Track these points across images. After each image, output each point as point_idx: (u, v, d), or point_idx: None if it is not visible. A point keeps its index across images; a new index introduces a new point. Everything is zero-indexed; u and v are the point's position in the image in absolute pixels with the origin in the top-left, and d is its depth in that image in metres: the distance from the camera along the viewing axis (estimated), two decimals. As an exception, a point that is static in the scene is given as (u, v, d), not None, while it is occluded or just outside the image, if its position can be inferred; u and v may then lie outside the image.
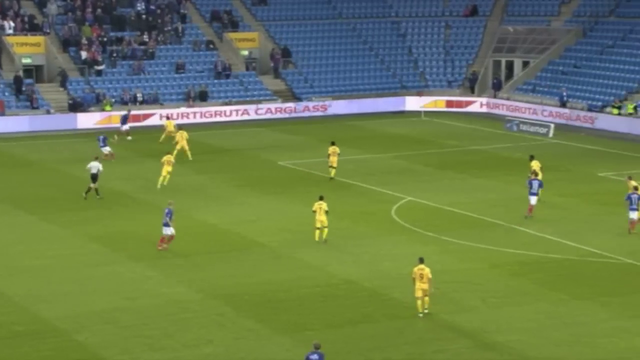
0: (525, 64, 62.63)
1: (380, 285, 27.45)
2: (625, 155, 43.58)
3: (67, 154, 47.13)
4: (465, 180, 41.13)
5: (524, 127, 52.72)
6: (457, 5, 68.13)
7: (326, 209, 31.63)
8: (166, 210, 30.74)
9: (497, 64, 63.84)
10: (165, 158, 39.52)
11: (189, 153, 44.83)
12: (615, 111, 53.03)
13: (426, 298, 25.11)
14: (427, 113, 58.81)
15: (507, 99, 59.98)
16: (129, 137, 49.98)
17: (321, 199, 32.06)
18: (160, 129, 51.09)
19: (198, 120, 56.70)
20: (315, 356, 20.91)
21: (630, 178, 34.25)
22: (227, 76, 61.00)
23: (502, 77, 62.88)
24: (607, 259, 29.58)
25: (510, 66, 63.51)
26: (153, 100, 57.76)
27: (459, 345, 23.35)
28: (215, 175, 42.19)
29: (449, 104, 60.65)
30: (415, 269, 25.23)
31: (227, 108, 58.03)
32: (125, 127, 50.27)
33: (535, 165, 37.08)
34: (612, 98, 54.95)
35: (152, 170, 41.62)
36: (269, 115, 56.89)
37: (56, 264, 29.59)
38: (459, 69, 64.59)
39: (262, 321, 24.95)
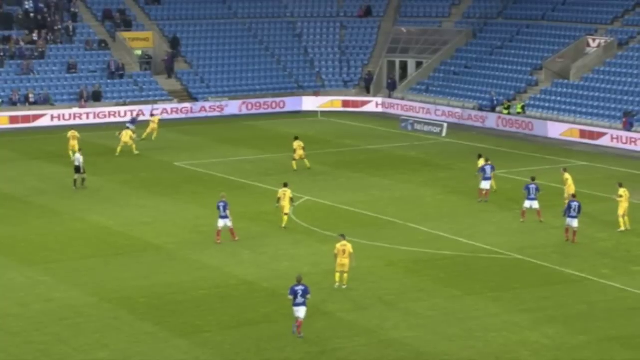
0: (419, 65, 63.78)
1: (279, 285, 27.50)
2: (514, 154, 44.89)
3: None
4: (361, 179, 41.61)
5: (418, 127, 53.70)
6: (352, 5, 68.84)
7: (291, 196, 32.61)
8: (222, 204, 31.25)
9: (391, 64, 64.81)
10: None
11: (134, 147, 45.77)
12: (505, 111, 54.57)
13: (345, 275, 26.64)
14: (323, 113, 59.23)
15: (402, 99, 60.97)
16: (136, 137, 49.84)
17: (285, 185, 33.13)
18: (51, 130, 49.91)
19: (92, 121, 55.61)
20: (300, 287, 23.71)
21: (565, 170, 35.64)
22: (121, 76, 60.00)
23: (397, 78, 63.87)
24: (497, 255, 30.43)
25: (404, 66, 64.56)
26: (44, 101, 56.30)
27: (356, 343, 23.61)
28: (109, 177, 41.45)
29: (345, 104, 61.23)
30: (338, 245, 26.85)
31: (122, 108, 57.09)
32: (132, 126, 49.17)
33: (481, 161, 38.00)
34: (501, 98, 56.52)
35: (43, 172, 40.56)
36: (164, 116, 56.20)
37: (-58, 271, 28.52)
38: (354, 69, 65.27)
39: (159, 324, 24.66)
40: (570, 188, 34.82)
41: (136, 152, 46.26)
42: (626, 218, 33.01)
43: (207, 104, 59.10)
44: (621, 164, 44.20)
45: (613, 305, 25.86)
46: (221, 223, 31.50)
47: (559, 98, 54.56)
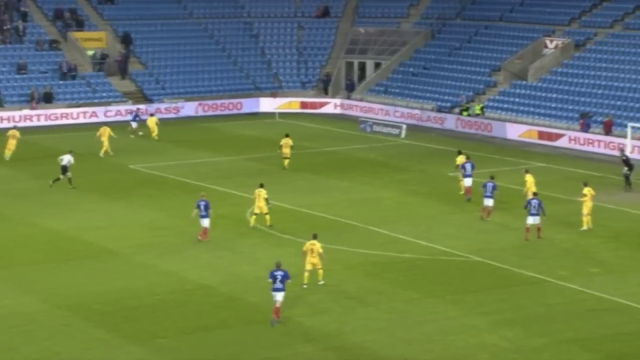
0: (377, 65, 64.03)
1: (237, 289, 27.41)
2: (473, 156, 45.12)
3: None
4: (320, 181, 41.64)
5: (377, 128, 53.90)
6: (309, 6, 68.90)
7: (265, 196, 32.94)
8: (202, 203, 31.47)
9: (349, 65, 64.97)
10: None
11: (108, 148, 46.08)
12: (464, 112, 55.00)
13: (320, 271, 27.21)
14: (281, 114, 59.19)
15: (361, 100, 61.15)
16: (141, 133, 51.23)
17: (261, 186, 33.44)
18: (1, 132, 49.27)
19: (43, 123, 54.95)
20: (279, 272, 24.54)
21: (526, 171, 36.09)
22: (73, 77, 59.38)
23: (355, 79, 64.05)
24: (456, 257, 30.63)
25: (362, 67, 64.77)
26: (-6, 102, 55.55)
27: (314, 347, 23.60)
28: (62, 180, 40.94)
29: (303, 105, 61.25)
30: (308, 243, 27.31)
31: (74, 110, 56.50)
32: (134, 123, 51.59)
33: (460, 159, 38.26)
34: (470, 94, 56.95)
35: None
36: (119, 118, 55.72)
37: None
38: (312, 70, 65.32)
39: (113, 330, 24.42)
40: (530, 190, 35.22)
41: (111, 153, 46.39)
42: (589, 217, 33.46)
43: (162, 106, 58.73)
44: (579, 165, 44.79)
45: (571, 307, 26.17)
46: (205, 222, 31.79)
47: (517, 99, 55.12)
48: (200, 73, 63.04)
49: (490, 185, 34.47)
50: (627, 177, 39.46)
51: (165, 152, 47.83)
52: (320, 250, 27.21)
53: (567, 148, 48.83)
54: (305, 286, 27.05)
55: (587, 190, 33.62)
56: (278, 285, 24.63)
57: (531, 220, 32.07)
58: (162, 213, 35.81)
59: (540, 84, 55.68)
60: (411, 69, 62.19)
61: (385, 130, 53.61)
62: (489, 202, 34.45)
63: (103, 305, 26.18)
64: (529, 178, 35.73)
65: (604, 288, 27.38)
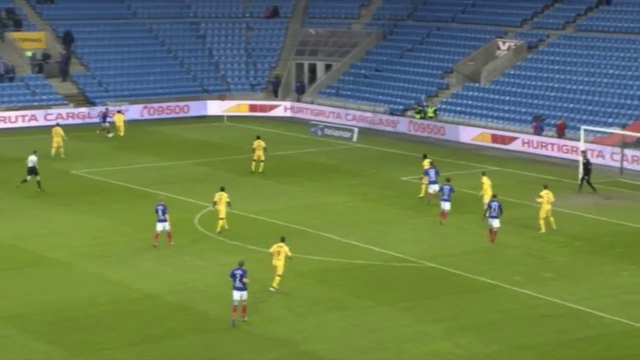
0: (328, 67, 64.25)
1: (185, 298, 27.29)
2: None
3: None
4: (270, 186, 41.64)
5: (328, 132, 54.07)
6: (258, 6, 68.89)
7: (227, 200, 33.16)
8: (160, 207, 31.80)
9: (300, 67, 65.08)
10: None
11: (61, 150, 46.32)
12: (417, 115, 55.45)
13: (277, 277, 27.66)
14: (230, 118, 59.07)
15: (311, 102, 61.28)
16: (111, 135, 51.93)
17: (222, 189, 33.56)
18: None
19: (-20, 126, 54.13)
20: (239, 271, 25.34)
21: (483, 174, 36.80)
22: (11, 79, 58.59)
23: (306, 81, 64.19)
24: (409, 264, 30.87)
25: (313, 69, 64.94)
26: None
27: (266, 357, 23.60)
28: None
29: (253, 108, 61.19)
30: (275, 245, 27.92)
31: (12, 114, 55.73)
32: (105, 123, 52.65)
33: (426, 163, 38.83)
34: (412, 102, 57.42)
35: None
36: (60, 121, 55.11)
37: None
38: (261, 72, 65.32)
39: (55, 342, 24.14)
40: (487, 193, 35.75)
41: (62, 156, 46.48)
42: (551, 219, 34.07)
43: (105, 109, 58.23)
44: (533, 169, 45.44)
45: (525, 313, 26.53)
46: (159, 227, 31.91)
47: (470, 102, 55.74)
48: (145, 75, 62.64)
49: (447, 188, 35.05)
50: (584, 180, 40.07)
51: (109, 157, 47.44)
52: (289, 254, 27.79)
53: (521, 151, 49.51)
54: (272, 289, 27.70)
55: (544, 193, 34.22)
56: (238, 284, 25.25)
57: (495, 223, 32.75)
58: (106, 220, 35.51)
59: (493, 86, 56.38)
60: (363, 71, 62.51)
61: (336, 133, 53.79)
62: (446, 206, 34.88)
63: (43, 316, 25.87)
64: (486, 180, 36.28)
65: (558, 293, 27.81)
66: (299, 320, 25.92)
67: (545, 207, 34.05)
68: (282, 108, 61.26)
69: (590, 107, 51.35)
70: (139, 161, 46.93)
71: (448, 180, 35.69)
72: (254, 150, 43.31)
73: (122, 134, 51.84)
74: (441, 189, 35.33)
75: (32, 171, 39.60)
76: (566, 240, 33.50)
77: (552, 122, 50.98)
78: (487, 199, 35.44)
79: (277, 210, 36.98)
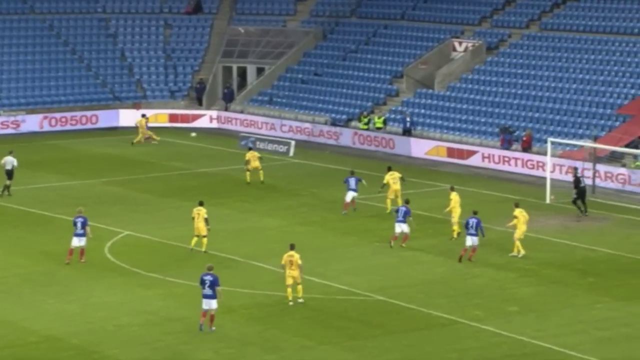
0: (260, 71, 64.39)
1: (92, 340, 27.00)
2: (373, 176, 45.87)
3: None
4: (193, 209, 41.44)
5: (261, 145, 54.11)
6: (178, 0, 68.80)
7: (205, 216, 34.53)
8: (79, 220, 32.90)
9: (227, 70, 65.12)
10: None
11: None
12: (363, 125, 55.80)
13: (299, 287, 29.53)
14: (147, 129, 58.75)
15: (241, 111, 61.31)
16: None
17: (201, 204, 34.89)
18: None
19: None
20: (208, 277, 27.06)
21: (452, 189, 37.59)
22: None
23: (234, 87, 64.23)
24: (355, 296, 30.99)
25: (242, 73, 65.02)
26: None
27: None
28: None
29: (173, 118, 61.01)
30: (285, 255, 29.55)
31: None
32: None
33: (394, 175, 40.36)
34: (357, 110, 57.81)
35: None
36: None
37: None
38: (183, 77, 65.18)
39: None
40: (455, 210, 36.28)
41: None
42: (518, 242, 34.72)
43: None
44: (494, 187, 46.00)
45: (487, 352, 26.79)
46: (75, 241, 32.99)
47: (422, 111, 56.31)
48: (45, 80, 62.06)
49: (402, 209, 35.84)
50: (576, 202, 40.60)
51: (2, 175, 46.78)
52: (300, 262, 29.40)
53: (481, 167, 50.11)
54: (291, 303, 29.37)
55: (517, 212, 34.79)
56: (207, 291, 27.01)
57: (470, 241, 33.84)
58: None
59: (448, 93, 57.06)
60: (300, 75, 62.76)
61: (270, 147, 53.88)
62: (400, 229, 35.58)
63: None
64: (455, 197, 36.96)
65: (524, 330, 28.15)
66: (228, 364, 25.85)
67: (522, 228, 34.64)
68: (207, 118, 61.16)
69: (558, 117, 52.25)
70: (37, 180, 46.42)
71: (407, 201, 36.51)
72: (247, 162, 45.67)
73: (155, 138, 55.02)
74: (397, 210, 36.10)
75: (9, 174, 42.60)
76: (532, 268, 33.97)
77: (516, 133, 51.48)
78: (456, 217, 36.14)
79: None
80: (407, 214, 35.59)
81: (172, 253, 35.25)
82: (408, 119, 54.23)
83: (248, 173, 45.67)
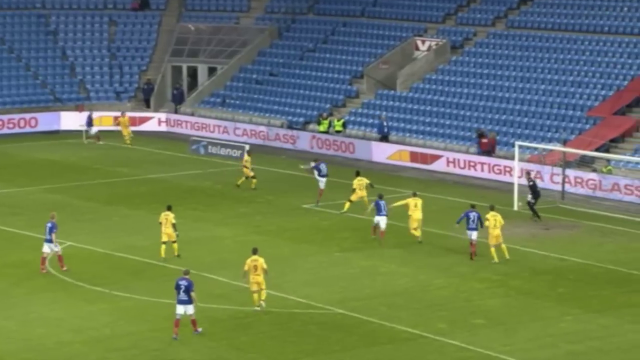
0: (212, 71, 64.33)
1: (31, 359, 26.76)
2: (335, 183, 45.94)
3: None
4: (141, 217, 41.35)
5: (213, 150, 54.05)
6: (123, -5, 68.65)
7: (173, 221, 34.98)
8: (49, 225, 33.24)
9: (177, 70, 64.99)
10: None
11: None
12: (322, 127, 55.86)
13: (262, 291, 29.94)
14: (90, 134, 58.46)
15: (192, 114, 61.20)
16: (101, 142, 55.43)
17: (169, 209, 35.38)
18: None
19: None
20: (184, 281, 27.77)
21: (414, 194, 38.47)
22: None
23: (185, 87, 64.11)
24: (313, 310, 31.01)
25: (193, 73, 64.92)
26: None
27: None
28: None
29: (119, 121, 60.71)
30: (249, 260, 29.93)
31: None
32: (94, 129, 56.99)
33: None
34: (315, 113, 57.91)
35: None
36: None
37: None
38: (129, 77, 64.96)
39: None
40: (415, 213, 37.20)
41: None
42: (503, 246, 35.32)
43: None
44: (459, 193, 46.26)
45: (453, 366, 26.95)
46: (46, 248, 33.55)
47: (384, 113, 56.47)
48: (-20, 80, 61.61)
49: (382, 203, 37.41)
50: (530, 206, 41.08)
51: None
52: (265, 266, 29.85)
53: (445, 172, 50.38)
54: (258, 308, 29.81)
55: (490, 215, 35.18)
56: (182, 296, 27.62)
57: (474, 235, 35.21)
58: None
59: (411, 94, 57.34)
60: (254, 76, 62.78)
61: (223, 152, 53.80)
62: (380, 222, 37.19)
63: None
64: (412, 201, 37.81)
65: (491, 344, 28.32)
66: (178, 383, 25.79)
67: (494, 233, 35.00)
68: (155, 121, 60.99)
69: (525, 119, 52.67)
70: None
71: (380, 196, 38.08)
72: (244, 166, 46.45)
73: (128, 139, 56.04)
74: (376, 204, 37.58)
75: None
76: (499, 278, 34.18)
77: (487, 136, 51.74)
78: (414, 223, 37.25)
79: (149, 247, 36.67)
80: (384, 207, 37.36)
81: (118, 265, 35.07)
82: (385, 123, 54.05)
83: (244, 178, 46.18)
